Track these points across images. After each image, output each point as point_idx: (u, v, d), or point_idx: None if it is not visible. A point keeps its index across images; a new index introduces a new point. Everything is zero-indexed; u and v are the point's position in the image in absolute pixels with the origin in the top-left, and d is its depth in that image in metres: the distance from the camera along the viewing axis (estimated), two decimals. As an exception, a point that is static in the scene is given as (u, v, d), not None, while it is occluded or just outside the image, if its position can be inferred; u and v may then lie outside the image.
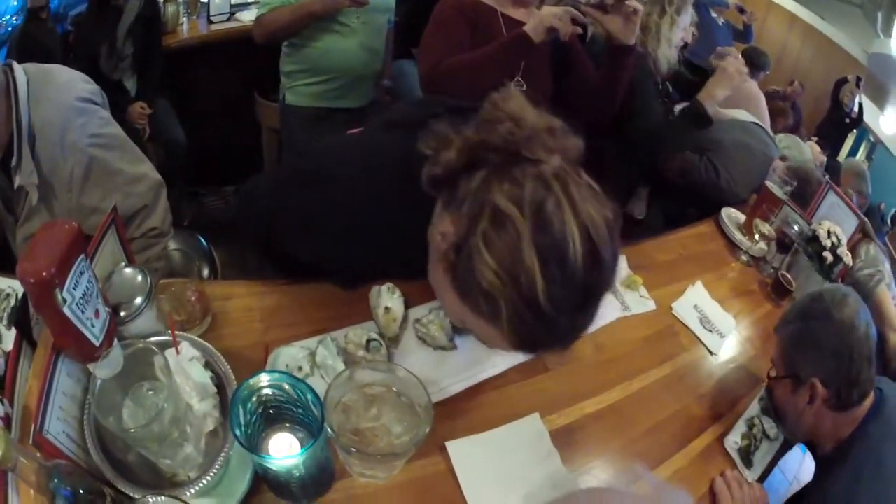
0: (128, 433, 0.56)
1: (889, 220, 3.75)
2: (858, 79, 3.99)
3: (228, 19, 2.45)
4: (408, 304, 0.89)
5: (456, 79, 1.30)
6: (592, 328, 1.04)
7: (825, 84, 4.26)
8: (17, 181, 0.97)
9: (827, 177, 1.85)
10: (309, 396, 0.55)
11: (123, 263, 0.74)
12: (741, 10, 4.33)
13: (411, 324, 0.89)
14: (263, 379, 0.54)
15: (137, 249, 1.13)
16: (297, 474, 0.56)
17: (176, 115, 2.27)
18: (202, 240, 1.64)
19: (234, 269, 1.58)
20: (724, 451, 0.99)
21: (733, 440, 1.01)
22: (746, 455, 1.00)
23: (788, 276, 1.45)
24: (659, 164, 1.71)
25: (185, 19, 2.37)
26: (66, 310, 0.52)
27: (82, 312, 0.54)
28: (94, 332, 0.56)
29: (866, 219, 1.73)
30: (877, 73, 4.23)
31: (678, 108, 1.68)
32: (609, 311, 1.15)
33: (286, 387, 0.56)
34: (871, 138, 4.48)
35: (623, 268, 1.27)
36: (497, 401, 0.87)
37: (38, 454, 0.51)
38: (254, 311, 0.86)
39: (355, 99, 1.95)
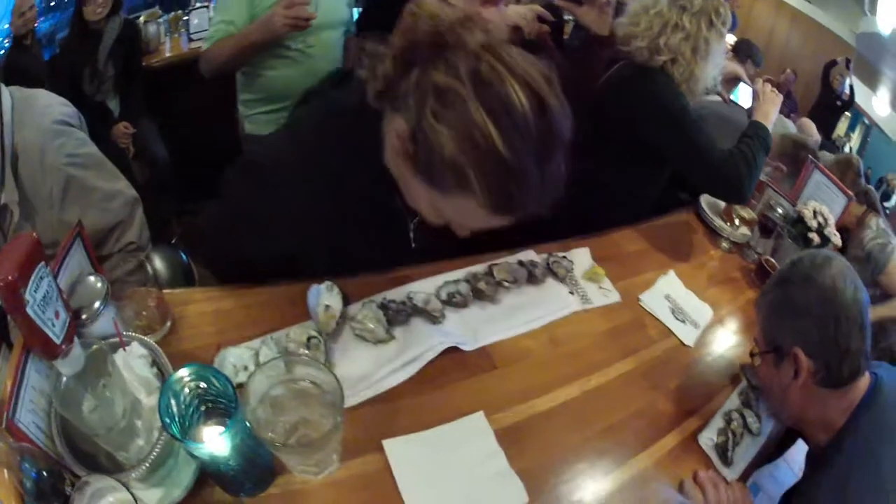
0: (81, 420, 0.62)
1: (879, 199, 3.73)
2: (848, 61, 3.95)
3: (209, 37, 2.51)
4: (347, 301, 0.89)
5: None
6: (545, 321, 1.05)
7: (815, 68, 4.19)
8: (1, 199, 1.01)
9: (812, 157, 1.83)
10: (230, 388, 0.57)
11: (87, 271, 0.80)
12: (727, -1, 4.31)
13: (348, 322, 0.88)
14: (184, 372, 0.58)
15: (116, 263, 1.19)
16: (229, 463, 0.59)
17: (158, 134, 2.30)
18: (182, 255, 1.67)
19: (212, 280, 1.62)
20: (698, 449, 0.92)
21: (708, 437, 0.94)
22: (724, 452, 0.92)
23: (772, 261, 1.40)
24: (748, 195, 1.37)
25: (166, 38, 2.42)
26: (28, 310, 0.57)
27: (43, 313, 0.60)
28: (55, 331, 0.62)
29: (872, 188, 1.67)
30: (866, 53, 4.17)
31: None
32: (564, 303, 1.10)
33: (213, 380, 0.58)
34: (867, 121, 4.41)
35: (585, 259, 1.24)
36: (440, 399, 0.84)
37: (10, 439, 0.57)
38: (208, 315, 0.89)
39: (316, 122, 1.91)
